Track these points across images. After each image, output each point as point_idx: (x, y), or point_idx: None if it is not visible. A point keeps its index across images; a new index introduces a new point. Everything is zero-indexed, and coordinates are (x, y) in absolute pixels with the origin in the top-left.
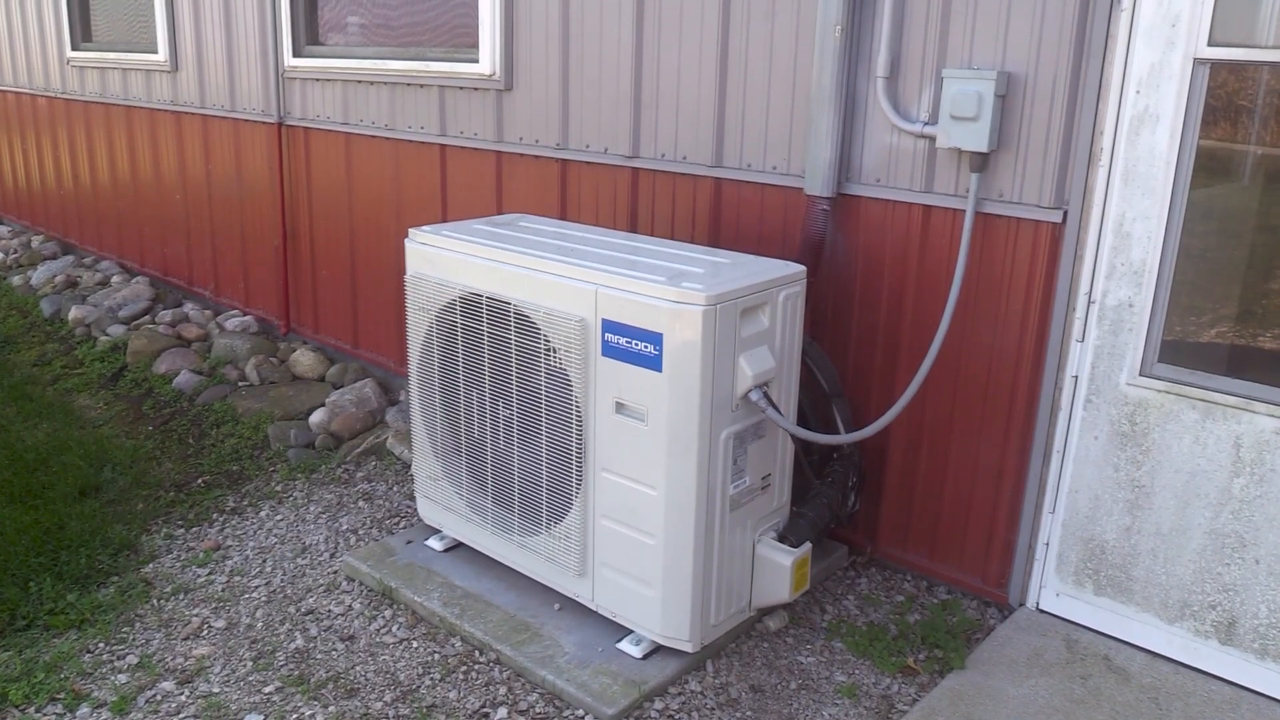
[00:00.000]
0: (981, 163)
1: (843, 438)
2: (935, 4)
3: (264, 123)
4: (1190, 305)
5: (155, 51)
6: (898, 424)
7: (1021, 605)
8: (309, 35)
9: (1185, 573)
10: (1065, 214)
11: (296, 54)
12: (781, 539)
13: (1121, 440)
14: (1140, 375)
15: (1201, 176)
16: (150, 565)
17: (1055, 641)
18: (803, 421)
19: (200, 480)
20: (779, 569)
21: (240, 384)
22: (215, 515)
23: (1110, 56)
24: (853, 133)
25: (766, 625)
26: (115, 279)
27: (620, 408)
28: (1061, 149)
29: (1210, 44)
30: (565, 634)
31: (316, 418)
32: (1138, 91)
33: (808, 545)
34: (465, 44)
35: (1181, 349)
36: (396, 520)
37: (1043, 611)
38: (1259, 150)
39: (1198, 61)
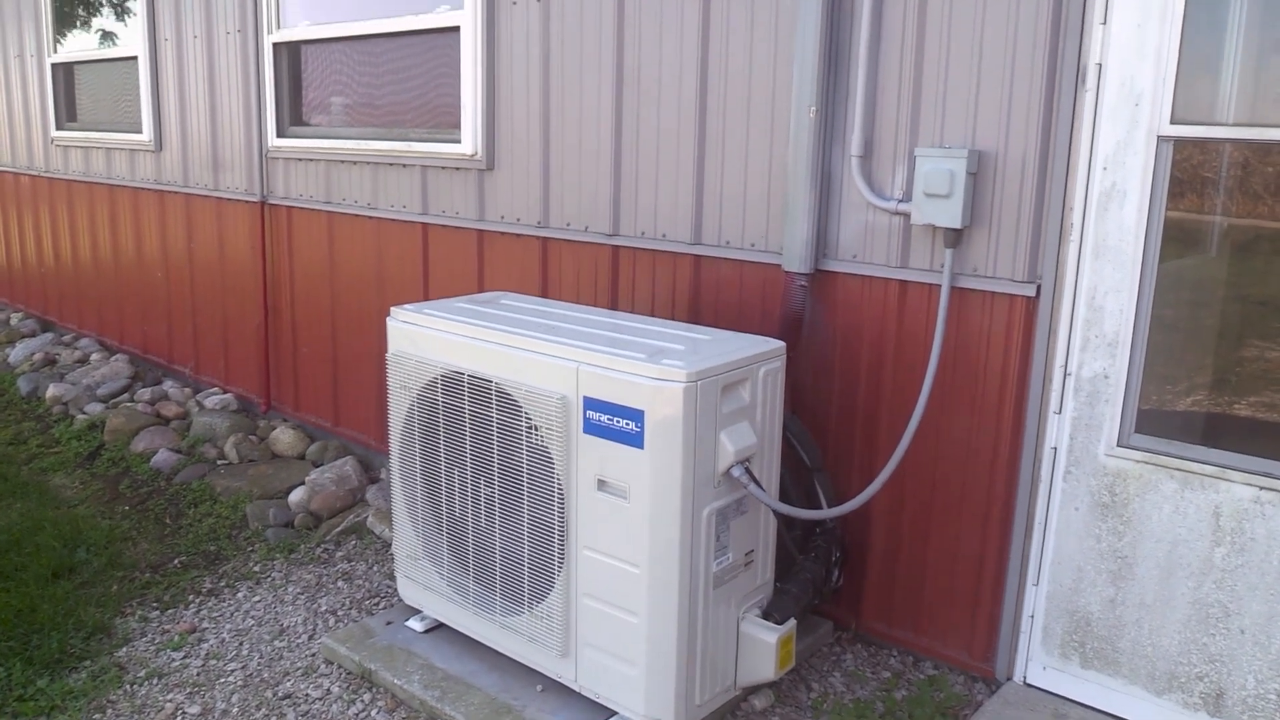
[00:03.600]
0: (955, 238)
1: (825, 513)
2: (906, 85)
3: (247, 201)
4: (1165, 374)
5: (140, 131)
6: (880, 498)
7: (1009, 679)
8: (293, 116)
9: (1171, 644)
10: (1039, 288)
11: (280, 134)
12: (766, 616)
13: (1102, 511)
14: (1118, 446)
15: (1172, 247)
16: (124, 649)
17: (1043, 716)
18: (785, 497)
19: (177, 561)
20: (764, 646)
21: (219, 462)
22: (191, 597)
23: (1077, 135)
24: (829, 210)
25: (752, 704)
26: (94, 356)
27: (602, 485)
28: (1033, 224)
29: (1173, 122)
30: (548, 716)
31: (296, 496)
32: (1104, 168)
33: (792, 622)
34: (447, 124)
35: (1158, 418)
36: (376, 600)
37: (1030, 686)
38: (1225, 221)
39: (1161, 139)
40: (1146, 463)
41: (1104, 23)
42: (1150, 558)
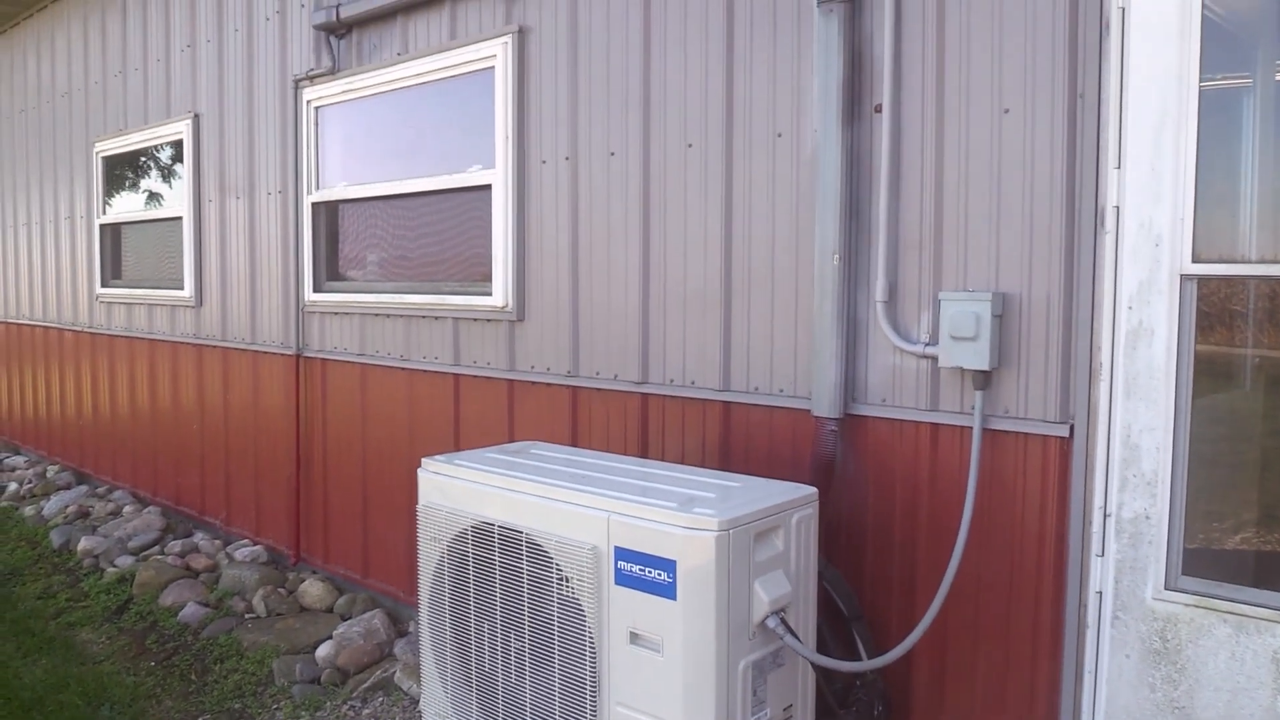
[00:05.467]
0: (984, 380)
1: (865, 664)
2: (927, 231)
3: (283, 354)
4: (1210, 511)
5: (181, 288)
6: (921, 647)
7: None
8: (329, 271)
9: None
10: (1072, 428)
11: (317, 289)
12: None
13: (1154, 658)
14: (1166, 589)
15: (1205, 382)
16: None
17: None
18: (822, 647)
19: None
20: None
21: (247, 616)
22: None
23: (1100, 275)
24: (856, 355)
25: None
26: (127, 509)
27: (635, 638)
28: (1062, 364)
29: (1194, 261)
30: None
31: (323, 651)
32: (1130, 307)
33: None
34: (479, 277)
35: (1205, 558)
36: None
37: None
38: (1258, 354)
39: (1184, 277)
40: (1197, 606)
41: (1118, 167)
42: (1210, 708)
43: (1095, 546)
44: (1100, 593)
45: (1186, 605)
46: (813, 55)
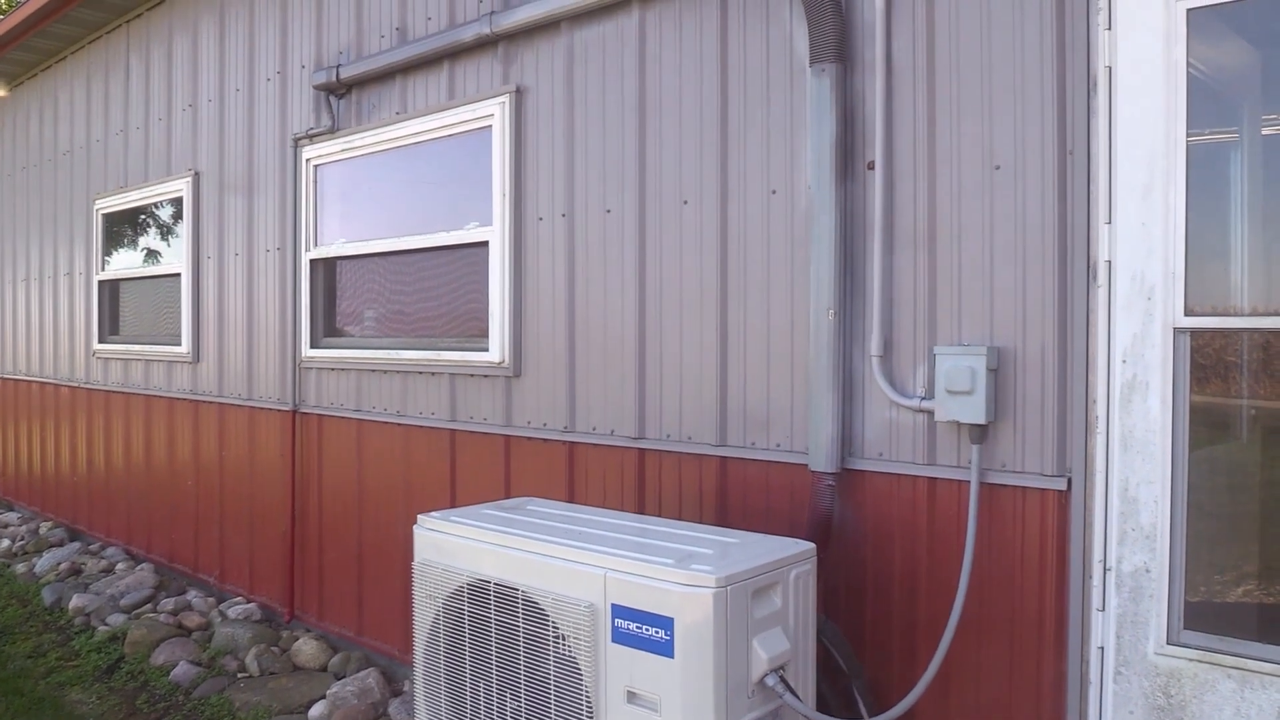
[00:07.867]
0: (980, 434)
1: None
2: (922, 287)
3: (279, 410)
4: (1211, 563)
5: (179, 344)
6: (924, 704)
7: None
8: (326, 327)
9: None
10: (1069, 481)
11: (314, 345)
12: None
13: (1159, 714)
14: (1168, 644)
15: (1202, 433)
16: None
17: None
18: (823, 706)
19: None
20: None
21: (239, 675)
22: None
23: (1094, 329)
24: (852, 409)
25: None
26: (120, 566)
27: (632, 697)
28: (1058, 418)
29: (1187, 314)
30: None
31: (316, 711)
32: (1124, 361)
33: None
34: (475, 333)
35: (1208, 612)
36: None
37: None
38: (1253, 405)
39: (1177, 331)
40: (1200, 661)
41: (1109, 222)
42: None
43: (1096, 601)
44: (1102, 648)
45: (1190, 660)
46: (806, 114)
